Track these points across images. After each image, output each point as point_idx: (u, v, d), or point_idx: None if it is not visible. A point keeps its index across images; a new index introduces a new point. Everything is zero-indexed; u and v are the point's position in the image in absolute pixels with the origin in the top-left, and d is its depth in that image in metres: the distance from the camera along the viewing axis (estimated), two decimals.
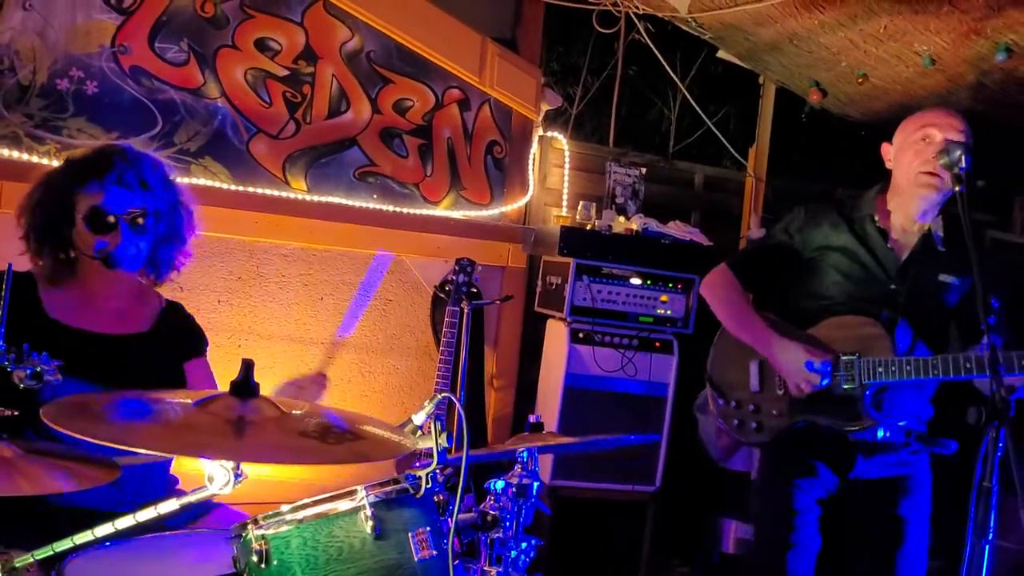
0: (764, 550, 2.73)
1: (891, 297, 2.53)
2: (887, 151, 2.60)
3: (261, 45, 3.63)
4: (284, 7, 3.66)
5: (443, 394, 1.58)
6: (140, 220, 2.24)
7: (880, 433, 2.47)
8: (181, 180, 3.43)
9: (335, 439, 1.42)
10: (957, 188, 2.20)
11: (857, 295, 2.55)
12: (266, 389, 1.56)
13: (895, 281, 2.54)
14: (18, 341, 1.74)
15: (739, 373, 2.71)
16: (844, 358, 2.47)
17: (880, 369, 2.40)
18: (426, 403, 1.57)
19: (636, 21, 4.24)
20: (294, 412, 1.51)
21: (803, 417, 2.54)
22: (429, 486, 1.59)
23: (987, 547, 1.64)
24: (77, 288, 2.26)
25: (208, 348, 2.52)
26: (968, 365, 2.28)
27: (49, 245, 2.22)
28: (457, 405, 1.56)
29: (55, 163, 3.28)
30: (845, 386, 2.45)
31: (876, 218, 2.57)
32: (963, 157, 2.19)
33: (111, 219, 2.20)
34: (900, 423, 2.47)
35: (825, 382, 2.45)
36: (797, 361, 2.47)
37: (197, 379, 2.40)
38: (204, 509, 2.15)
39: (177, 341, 2.40)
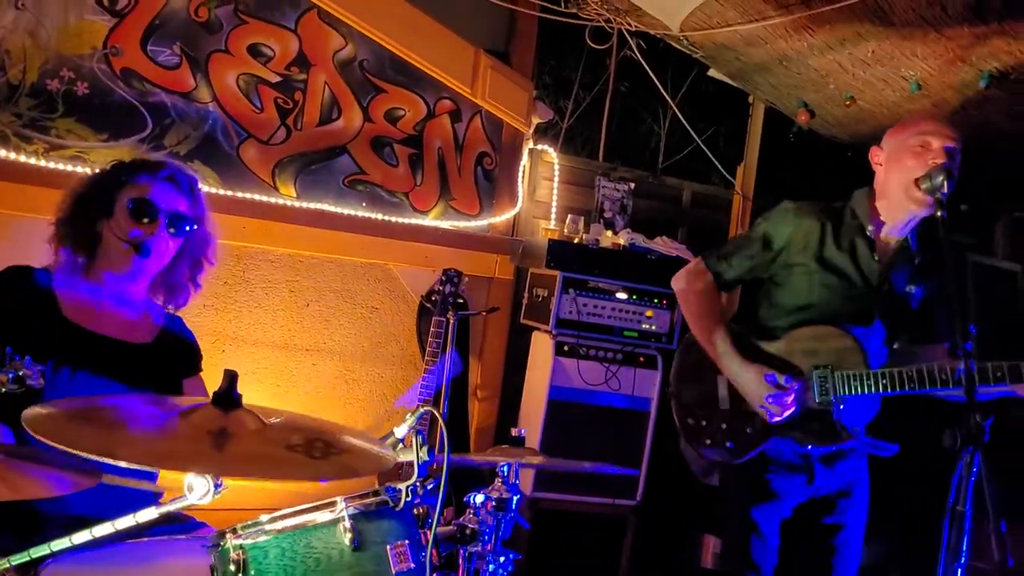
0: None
1: (871, 305, 2.51)
2: (876, 155, 2.54)
3: (254, 51, 3.64)
4: (278, 14, 3.67)
5: (425, 407, 1.58)
6: (180, 222, 2.29)
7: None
8: None
9: (321, 453, 1.42)
10: (939, 213, 2.22)
11: (839, 307, 2.50)
12: (249, 396, 1.56)
13: (875, 291, 2.51)
14: (31, 335, 1.75)
15: (707, 389, 2.62)
16: (818, 371, 2.42)
17: (856, 384, 2.37)
18: (408, 416, 1.57)
19: (628, 38, 4.27)
20: (271, 420, 1.51)
21: (778, 434, 2.47)
22: (409, 499, 1.60)
23: (960, 570, 1.66)
24: (90, 292, 2.26)
25: (201, 363, 2.51)
26: (943, 377, 2.26)
27: (77, 232, 2.24)
28: (441, 420, 1.56)
29: (43, 163, 3.29)
30: (818, 400, 2.41)
31: (870, 229, 2.51)
32: (945, 182, 2.22)
33: (155, 212, 2.25)
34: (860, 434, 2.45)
35: (791, 412, 2.41)
36: (759, 391, 2.43)
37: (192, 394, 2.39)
38: (188, 528, 2.14)
39: (177, 357, 2.40)
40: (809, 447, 2.49)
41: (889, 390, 2.33)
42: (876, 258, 2.51)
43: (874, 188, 2.56)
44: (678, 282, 2.71)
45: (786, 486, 2.53)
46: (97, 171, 2.39)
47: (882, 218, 2.52)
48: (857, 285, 2.51)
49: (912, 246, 2.51)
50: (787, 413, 2.42)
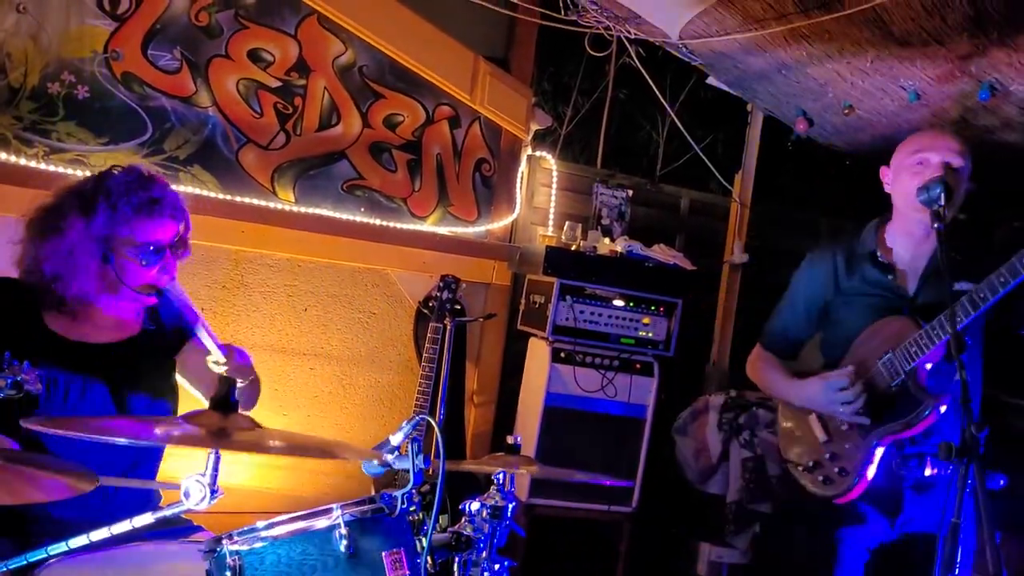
0: None
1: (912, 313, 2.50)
2: (885, 174, 2.59)
3: (254, 56, 3.65)
4: (278, 19, 3.68)
5: (420, 415, 1.58)
6: (180, 245, 2.30)
7: (928, 472, 2.42)
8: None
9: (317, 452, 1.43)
10: (936, 225, 2.23)
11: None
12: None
13: (913, 300, 2.52)
14: (13, 349, 1.75)
15: (804, 434, 2.65)
16: (882, 360, 2.45)
17: (913, 349, 2.36)
18: (403, 424, 1.58)
19: (627, 45, 4.28)
20: (272, 443, 1.51)
21: (878, 435, 2.45)
22: (404, 506, 1.60)
23: None
24: (79, 302, 2.23)
25: (199, 322, 2.41)
26: (1001, 279, 2.20)
27: (74, 284, 2.18)
28: (436, 428, 1.57)
29: (43, 166, 3.30)
30: (894, 384, 2.42)
31: (879, 254, 2.56)
32: (942, 195, 2.23)
33: (163, 252, 2.25)
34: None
35: (860, 402, 2.42)
36: (824, 393, 2.48)
37: (195, 363, 2.34)
38: (184, 532, 2.14)
39: (166, 333, 2.37)
40: (915, 422, 2.40)
41: (947, 334, 2.25)
42: (895, 278, 2.54)
43: (891, 211, 2.60)
44: (751, 373, 2.84)
45: (871, 510, 2.51)
46: (84, 214, 2.20)
47: (899, 237, 2.56)
48: (888, 300, 2.53)
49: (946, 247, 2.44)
50: (859, 403, 2.44)
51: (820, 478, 2.55)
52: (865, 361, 2.50)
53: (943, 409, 2.35)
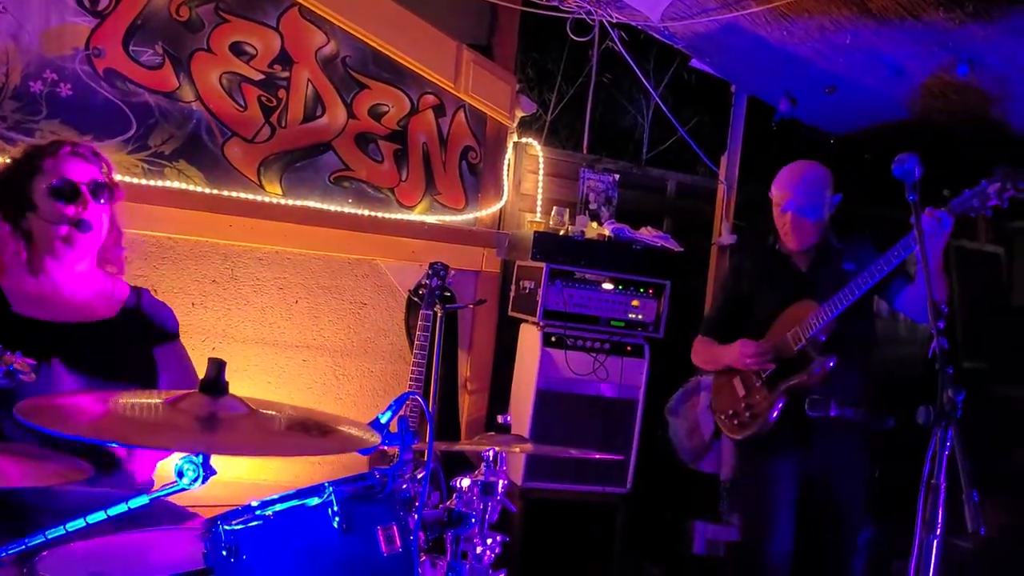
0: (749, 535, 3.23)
1: (809, 293, 3.02)
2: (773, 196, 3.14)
3: (236, 49, 3.65)
4: (259, 11, 3.69)
5: (408, 393, 1.61)
6: (102, 189, 2.28)
7: (833, 412, 2.90)
8: (155, 183, 3.51)
9: (311, 434, 1.45)
10: (910, 197, 2.28)
11: (786, 305, 3.07)
12: (240, 393, 1.58)
13: (808, 282, 3.05)
14: None
15: (730, 392, 3.19)
16: (789, 333, 2.99)
17: (813, 321, 2.91)
18: (392, 403, 1.60)
19: (609, 29, 4.30)
20: (264, 412, 1.53)
21: (783, 386, 2.97)
22: (395, 483, 1.63)
23: (935, 542, 1.70)
24: (38, 284, 2.26)
25: (177, 330, 2.49)
26: (882, 265, 2.76)
27: (6, 234, 2.23)
28: (422, 404, 1.59)
29: None
30: (797, 348, 2.97)
31: (776, 244, 3.14)
32: (916, 169, 2.28)
33: (76, 187, 2.23)
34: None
35: (760, 347, 3.02)
36: (735, 351, 3.08)
37: (167, 365, 2.39)
38: (181, 519, 2.16)
39: (145, 327, 2.39)
40: (806, 376, 2.94)
41: (842, 305, 2.84)
42: (790, 263, 3.11)
43: None
44: (695, 359, 3.35)
45: (788, 443, 3.03)
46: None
47: (786, 239, 3.12)
48: (793, 284, 3.07)
49: (830, 239, 3.10)
50: (765, 356, 3.01)
51: (736, 423, 3.13)
52: (779, 336, 3.05)
53: (831, 365, 2.87)
